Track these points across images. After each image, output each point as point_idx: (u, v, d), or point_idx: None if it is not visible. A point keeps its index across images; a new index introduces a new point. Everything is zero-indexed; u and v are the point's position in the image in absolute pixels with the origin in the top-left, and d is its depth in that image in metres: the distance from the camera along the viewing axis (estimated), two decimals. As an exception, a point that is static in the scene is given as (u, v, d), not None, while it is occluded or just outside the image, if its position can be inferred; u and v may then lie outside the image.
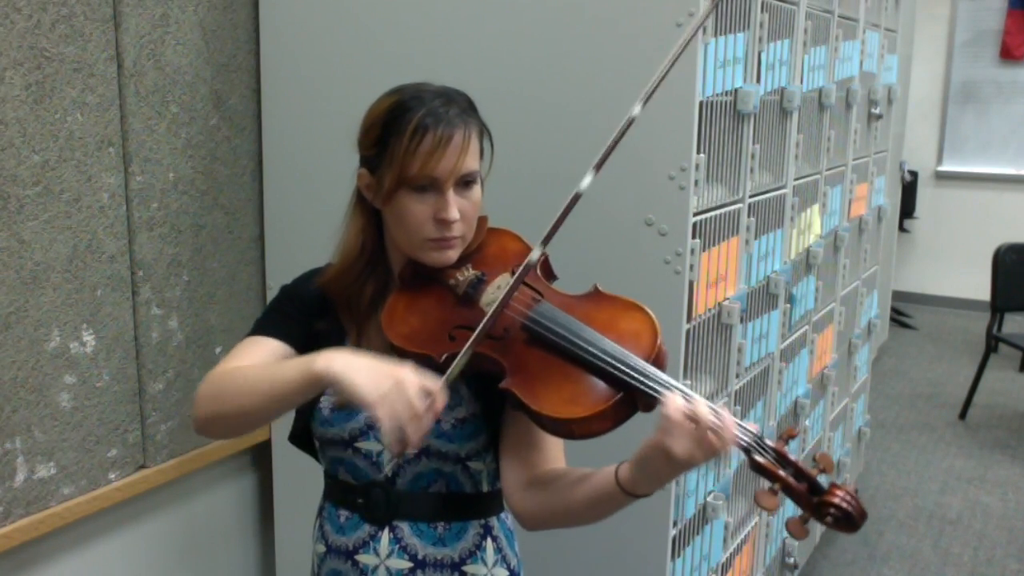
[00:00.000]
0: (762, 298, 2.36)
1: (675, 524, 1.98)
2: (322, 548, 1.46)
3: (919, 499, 4.01)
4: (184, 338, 2.19)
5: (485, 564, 1.42)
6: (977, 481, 4.20)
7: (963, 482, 4.19)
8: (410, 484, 1.38)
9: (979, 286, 5.96)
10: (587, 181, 1.23)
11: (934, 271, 7.29)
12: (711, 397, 2.13)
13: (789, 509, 1.19)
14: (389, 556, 1.39)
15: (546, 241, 1.25)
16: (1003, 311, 4.91)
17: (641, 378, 1.18)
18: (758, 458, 1.16)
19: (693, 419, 1.12)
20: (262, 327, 1.40)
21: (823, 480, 1.17)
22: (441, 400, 1.16)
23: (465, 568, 1.40)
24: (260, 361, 1.33)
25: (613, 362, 1.20)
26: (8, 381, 1.83)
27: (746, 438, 1.15)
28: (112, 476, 2.06)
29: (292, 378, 1.20)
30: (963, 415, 4.97)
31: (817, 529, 3.10)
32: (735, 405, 2.27)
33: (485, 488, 1.41)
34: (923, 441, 4.67)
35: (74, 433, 1.96)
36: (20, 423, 1.86)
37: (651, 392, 1.17)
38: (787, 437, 1.20)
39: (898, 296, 6.92)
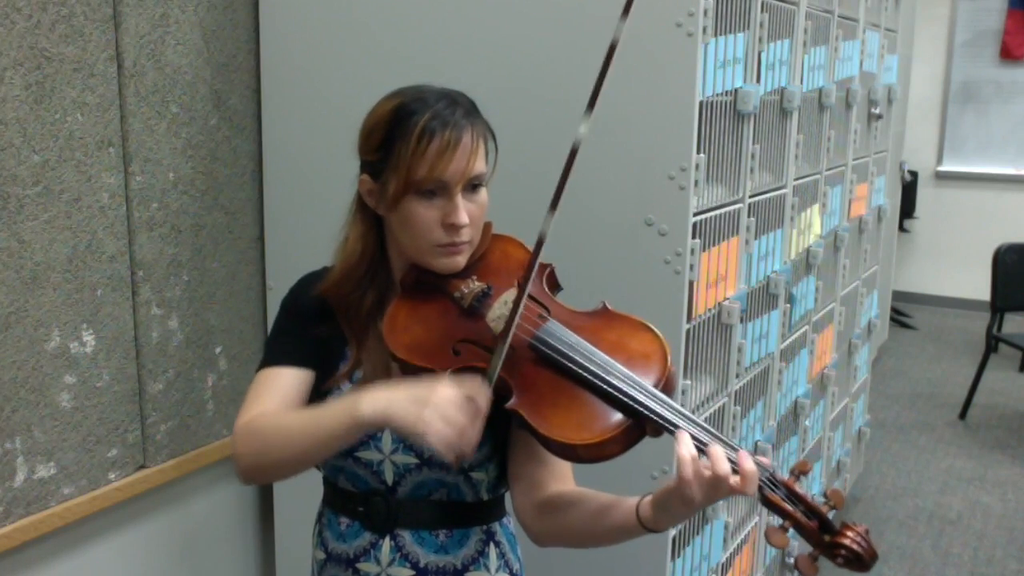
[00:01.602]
0: (762, 298, 2.36)
1: (675, 524, 1.98)
2: (322, 555, 1.45)
3: (919, 499, 4.01)
4: (184, 338, 2.19)
5: (488, 570, 1.41)
6: (977, 481, 4.20)
7: (963, 482, 4.19)
8: (411, 492, 1.36)
9: (979, 286, 5.96)
10: (583, 129, 1.18)
11: (934, 271, 7.29)
12: (711, 397, 2.13)
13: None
14: (391, 564, 1.38)
15: (554, 204, 1.20)
16: (1003, 311, 4.91)
17: (654, 410, 1.17)
18: (769, 494, 1.14)
19: (708, 466, 1.12)
20: (273, 356, 1.39)
21: (834, 516, 1.16)
22: (484, 403, 1.17)
23: (468, 575, 1.40)
24: (283, 398, 1.33)
25: (625, 389, 1.18)
26: (8, 381, 1.83)
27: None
28: (112, 476, 2.06)
29: (336, 428, 1.20)
30: (963, 415, 4.97)
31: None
32: (735, 405, 2.27)
33: (485, 496, 1.40)
34: (923, 441, 4.67)
35: (74, 433, 1.96)
36: (20, 423, 1.86)
37: (665, 427, 1.17)
38: (799, 472, 1.19)
39: (898, 296, 6.92)
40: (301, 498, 2.14)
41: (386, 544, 1.38)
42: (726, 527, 2.30)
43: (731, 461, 1.13)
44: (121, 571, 2.16)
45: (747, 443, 2.40)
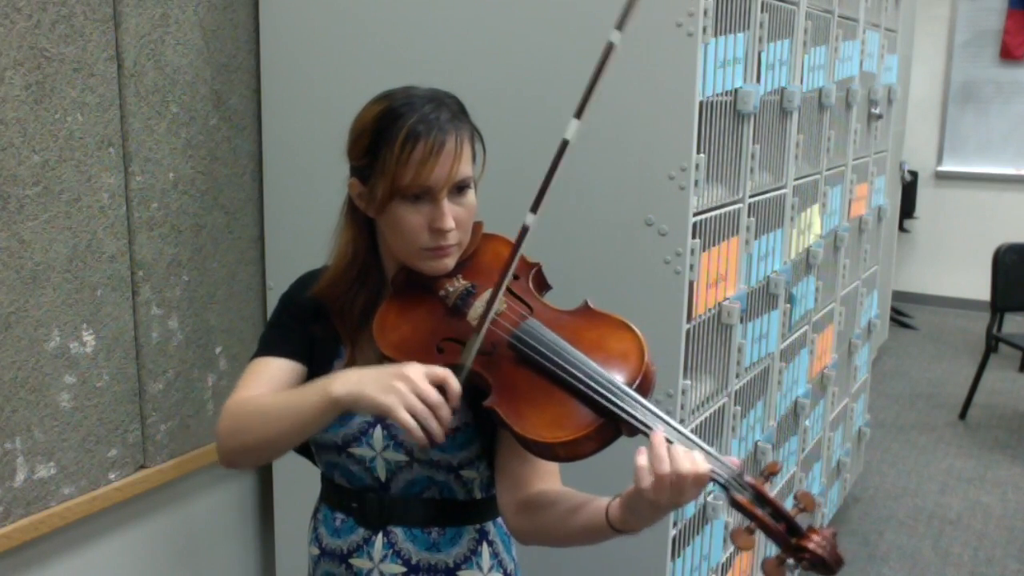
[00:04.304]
0: (762, 298, 2.36)
1: (675, 524, 1.98)
2: (316, 551, 1.45)
3: (919, 499, 4.01)
4: (184, 338, 2.19)
5: (480, 569, 1.41)
6: (977, 481, 4.20)
7: (963, 482, 4.19)
8: (403, 490, 1.37)
9: (979, 286, 5.96)
10: (573, 128, 1.20)
11: (934, 271, 7.29)
12: (711, 397, 2.13)
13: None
14: (383, 560, 1.38)
15: (535, 206, 1.22)
16: (1003, 311, 4.91)
17: (623, 408, 1.17)
18: (736, 496, 1.13)
19: (669, 464, 1.10)
20: (267, 346, 1.41)
21: (802, 520, 1.15)
22: (455, 385, 1.18)
23: (460, 573, 1.40)
24: (272, 385, 1.35)
25: (596, 387, 1.18)
26: (8, 381, 1.83)
27: (724, 474, 1.13)
28: (112, 476, 2.06)
29: (311, 407, 1.22)
30: (963, 415, 4.97)
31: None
32: (735, 405, 2.27)
33: (478, 495, 1.41)
34: (923, 441, 4.67)
35: (74, 433, 1.96)
36: (20, 423, 1.86)
37: (634, 425, 1.16)
38: (768, 473, 1.17)
39: (898, 296, 6.92)
40: (300, 498, 2.14)
41: (379, 540, 1.38)
42: (726, 527, 2.30)
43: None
44: (121, 571, 2.17)
45: (747, 443, 2.40)
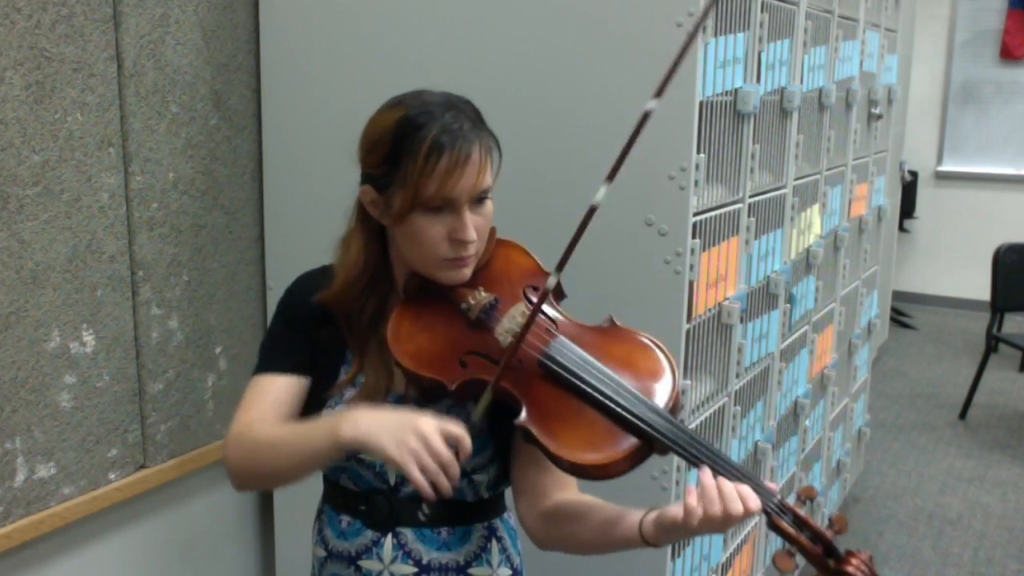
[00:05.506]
0: (762, 298, 2.36)
1: (675, 524, 1.98)
2: (322, 552, 1.45)
3: (919, 499, 4.01)
4: (184, 338, 2.19)
5: (490, 565, 1.41)
6: (977, 481, 4.20)
7: (963, 482, 4.19)
8: (413, 492, 1.35)
9: (979, 286, 5.96)
10: (602, 192, 1.20)
11: (934, 271, 7.29)
12: (711, 397, 2.13)
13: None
14: (393, 562, 1.38)
15: (561, 265, 1.23)
16: (1003, 311, 4.91)
17: (665, 434, 1.18)
18: (776, 520, 1.17)
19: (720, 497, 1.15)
20: (268, 362, 1.39)
21: (838, 542, 1.18)
22: (467, 445, 1.16)
23: (471, 571, 1.40)
24: (277, 408, 1.35)
25: (637, 412, 1.19)
26: (8, 381, 1.83)
27: (766, 502, 1.16)
28: (112, 476, 2.06)
29: (320, 447, 1.21)
30: (963, 415, 4.97)
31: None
32: (735, 405, 2.27)
33: (486, 495, 1.41)
34: (923, 441, 4.67)
35: (74, 433, 1.96)
36: (20, 423, 1.86)
37: (674, 450, 1.18)
38: (805, 498, 1.21)
39: (898, 296, 6.92)
40: (301, 498, 2.13)
41: (388, 542, 1.38)
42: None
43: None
44: (121, 571, 2.16)
45: (747, 443, 2.40)
